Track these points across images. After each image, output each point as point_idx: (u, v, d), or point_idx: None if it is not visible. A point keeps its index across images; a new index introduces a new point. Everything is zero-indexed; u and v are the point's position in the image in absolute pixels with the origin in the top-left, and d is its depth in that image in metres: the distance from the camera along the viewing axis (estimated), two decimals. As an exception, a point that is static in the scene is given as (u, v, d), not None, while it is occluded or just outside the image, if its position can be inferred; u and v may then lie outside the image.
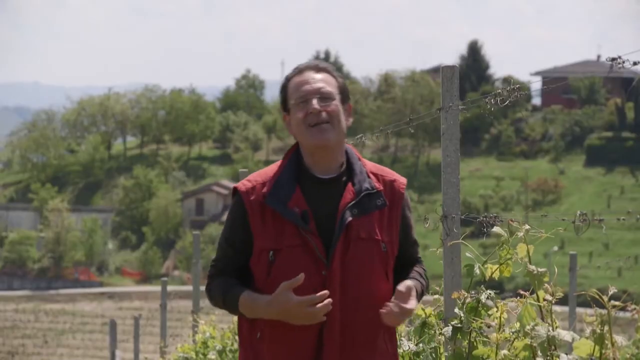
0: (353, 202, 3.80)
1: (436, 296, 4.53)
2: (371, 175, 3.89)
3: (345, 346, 3.77)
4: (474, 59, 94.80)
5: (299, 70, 3.91)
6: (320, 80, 3.86)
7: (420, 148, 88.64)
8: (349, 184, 3.84)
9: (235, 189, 3.91)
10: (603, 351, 3.19)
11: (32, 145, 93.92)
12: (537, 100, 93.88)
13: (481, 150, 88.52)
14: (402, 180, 3.96)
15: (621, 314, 3.56)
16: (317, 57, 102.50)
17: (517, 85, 4.15)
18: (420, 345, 4.47)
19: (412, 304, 3.74)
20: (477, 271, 3.85)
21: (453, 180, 4.49)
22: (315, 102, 3.81)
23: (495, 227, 3.86)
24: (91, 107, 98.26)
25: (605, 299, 3.21)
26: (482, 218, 4.14)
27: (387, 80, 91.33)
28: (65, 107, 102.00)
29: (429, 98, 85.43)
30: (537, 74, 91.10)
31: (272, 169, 3.92)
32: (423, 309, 4.49)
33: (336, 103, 3.85)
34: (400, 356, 4.43)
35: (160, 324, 14.98)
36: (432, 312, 4.51)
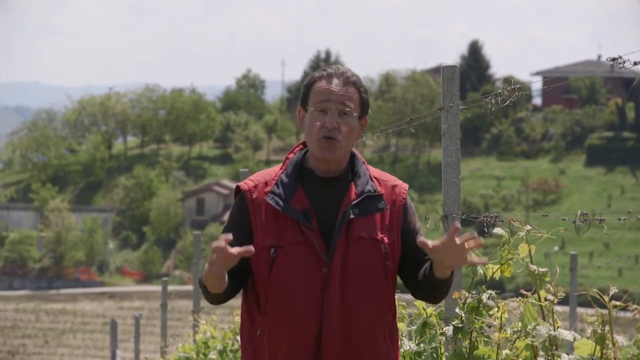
0: (354, 202, 3.80)
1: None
2: (374, 179, 3.89)
3: (345, 346, 3.76)
4: (475, 58, 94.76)
5: (327, 75, 3.85)
6: (344, 95, 3.82)
7: (420, 148, 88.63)
8: (352, 185, 3.84)
9: (237, 188, 3.91)
10: (604, 351, 3.19)
11: (32, 144, 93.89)
12: (537, 100, 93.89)
13: (482, 150, 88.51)
14: (404, 185, 3.95)
15: (622, 313, 3.57)
16: (317, 57, 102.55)
17: (518, 85, 4.15)
18: (422, 345, 4.47)
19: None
20: (479, 271, 3.85)
21: (454, 180, 4.50)
22: (333, 117, 3.79)
23: (496, 228, 3.87)
24: (92, 106, 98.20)
25: (606, 298, 3.22)
26: (482, 218, 4.15)
27: (387, 80, 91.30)
28: (66, 106, 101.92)
29: (430, 98, 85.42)
30: (537, 73, 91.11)
31: (274, 169, 3.93)
32: (424, 309, 4.49)
33: (353, 121, 3.83)
34: (401, 356, 4.42)
35: (160, 323, 15.01)
36: (433, 312, 4.51)
